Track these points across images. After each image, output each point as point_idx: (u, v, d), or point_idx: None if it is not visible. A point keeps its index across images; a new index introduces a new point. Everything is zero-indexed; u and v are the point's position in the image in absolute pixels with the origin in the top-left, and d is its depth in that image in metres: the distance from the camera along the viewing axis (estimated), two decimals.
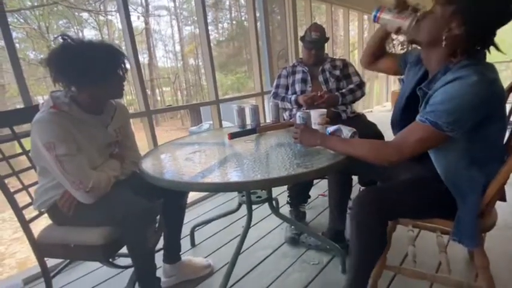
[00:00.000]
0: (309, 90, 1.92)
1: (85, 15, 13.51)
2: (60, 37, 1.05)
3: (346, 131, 1.20)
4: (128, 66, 1.16)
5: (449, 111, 0.80)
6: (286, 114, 2.02)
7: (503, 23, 0.82)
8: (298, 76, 1.96)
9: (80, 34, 14.09)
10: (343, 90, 1.89)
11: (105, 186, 1.09)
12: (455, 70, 0.83)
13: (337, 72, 1.94)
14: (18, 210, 1.12)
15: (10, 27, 1.50)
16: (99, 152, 1.18)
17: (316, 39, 1.87)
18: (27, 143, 1.26)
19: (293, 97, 1.89)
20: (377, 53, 1.21)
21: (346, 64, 1.99)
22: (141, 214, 1.04)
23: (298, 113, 1.29)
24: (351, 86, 1.92)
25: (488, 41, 0.85)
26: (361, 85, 1.94)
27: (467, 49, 0.84)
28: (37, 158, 1.09)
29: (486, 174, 0.88)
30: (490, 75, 0.80)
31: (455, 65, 0.85)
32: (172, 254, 1.42)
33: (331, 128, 1.26)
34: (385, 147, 0.93)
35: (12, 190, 1.13)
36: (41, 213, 1.23)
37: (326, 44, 1.98)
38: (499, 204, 0.95)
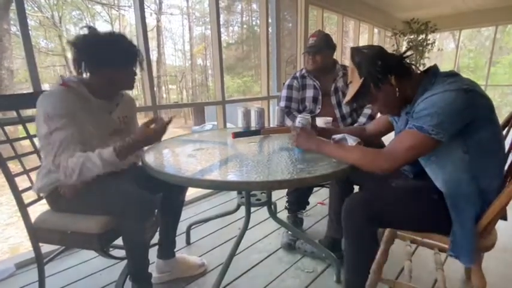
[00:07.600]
0: (318, 112, 1.83)
1: (98, 8, 13.63)
2: (86, 27, 1.09)
3: (351, 141, 1.20)
4: (144, 63, 1.21)
5: (432, 114, 0.83)
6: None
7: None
8: (309, 93, 1.85)
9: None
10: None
11: (80, 172, 1.00)
12: (434, 86, 0.88)
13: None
14: (17, 192, 1.12)
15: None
16: (101, 138, 1.14)
17: (312, 44, 1.80)
18: (31, 128, 1.26)
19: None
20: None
21: None
22: (140, 205, 1.04)
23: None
24: (366, 117, 1.79)
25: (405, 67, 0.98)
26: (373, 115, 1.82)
27: (407, 78, 0.97)
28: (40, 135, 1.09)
29: (485, 190, 0.88)
30: (471, 83, 0.85)
31: (433, 85, 0.89)
32: (167, 249, 1.41)
33: (336, 137, 1.27)
34: (377, 155, 0.95)
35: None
36: (39, 198, 1.23)
37: (335, 54, 1.92)
38: (498, 226, 0.94)
